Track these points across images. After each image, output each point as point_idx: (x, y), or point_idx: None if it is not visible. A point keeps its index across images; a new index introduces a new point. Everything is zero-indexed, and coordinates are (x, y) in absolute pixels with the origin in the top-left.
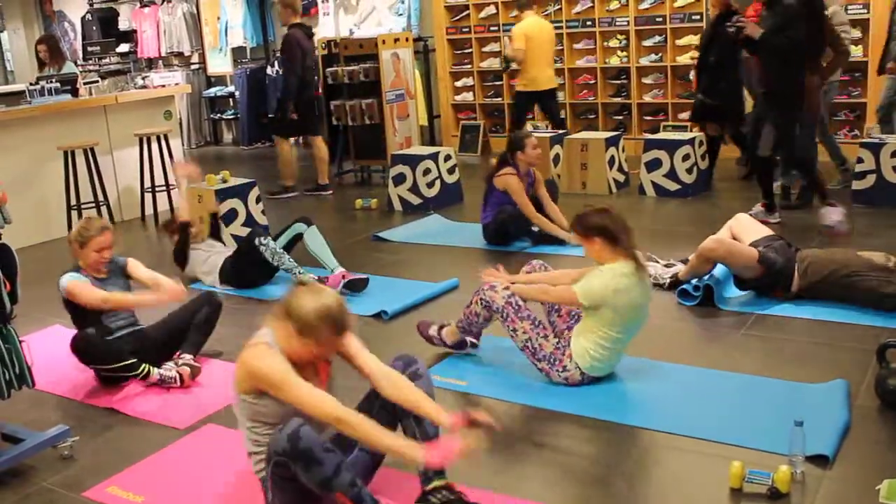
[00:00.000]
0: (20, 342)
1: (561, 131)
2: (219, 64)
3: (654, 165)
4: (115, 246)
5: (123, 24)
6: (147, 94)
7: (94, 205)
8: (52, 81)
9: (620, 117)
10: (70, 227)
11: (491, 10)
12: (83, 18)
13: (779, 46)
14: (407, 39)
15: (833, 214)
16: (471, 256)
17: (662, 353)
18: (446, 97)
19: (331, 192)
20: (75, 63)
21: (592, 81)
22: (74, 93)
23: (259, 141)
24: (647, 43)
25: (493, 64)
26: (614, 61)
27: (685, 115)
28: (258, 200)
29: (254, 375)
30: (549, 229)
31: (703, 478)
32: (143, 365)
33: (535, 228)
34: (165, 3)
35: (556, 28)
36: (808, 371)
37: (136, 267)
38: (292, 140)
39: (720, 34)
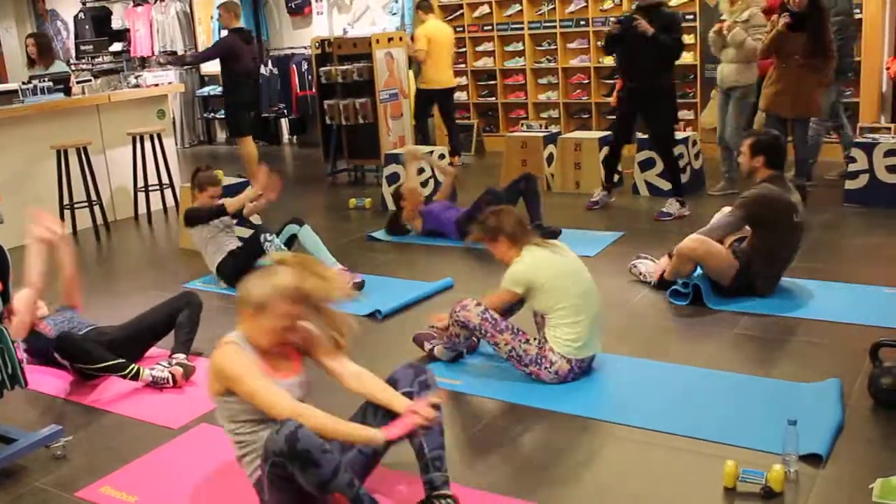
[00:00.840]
0: (12, 342)
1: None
2: (212, 63)
3: (647, 165)
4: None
5: (116, 23)
6: (140, 93)
7: (87, 204)
8: (44, 80)
9: (614, 117)
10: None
11: (485, 9)
12: (76, 17)
13: (666, 45)
14: (401, 39)
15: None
16: (465, 256)
17: (656, 352)
18: None
19: None
20: (67, 62)
21: (586, 81)
22: (67, 92)
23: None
24: None
25: (488, 63)
26: (608, 61)
27: (679, 114)
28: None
29: (217, 372)
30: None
31: (697, 477)
32: (132, 365)
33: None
34: (158, 2)
35: (551, 28)
36: (802, 370)
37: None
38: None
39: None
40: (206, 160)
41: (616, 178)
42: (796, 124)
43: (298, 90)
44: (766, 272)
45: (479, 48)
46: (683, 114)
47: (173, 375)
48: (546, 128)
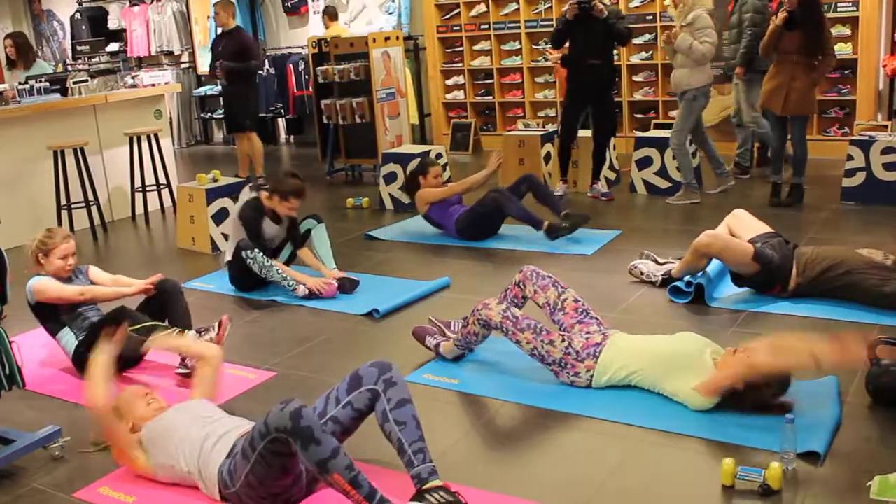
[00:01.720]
0: (10, 343)
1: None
2: (209, 63)
3: (644, 163)
4: (77, 255)
5: (113, 24)
6: (137, 93)
7: (84, 204)
8: (41, 81)
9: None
10: (60, 226)
11: (482, 8)
12: (72, 17)
13: (621, 31)
14: (397, 38)
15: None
16: (462, 255)
17: None
18: (437, 95)
19: None
20: (64, 62)
21: None
22: (64, 92)
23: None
24: (638, 41)
25: (484, 62)
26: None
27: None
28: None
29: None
30: (471, 182)
31: (696, 475)
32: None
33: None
34: (155, 1)
35: (547, 26)
36: None
37: (97, 272)
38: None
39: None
40: (202, 160)
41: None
42: (794, 123)
43: (295, 90)
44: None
45: (476, 47)
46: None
47: (220, 323)
48: (543, 126)
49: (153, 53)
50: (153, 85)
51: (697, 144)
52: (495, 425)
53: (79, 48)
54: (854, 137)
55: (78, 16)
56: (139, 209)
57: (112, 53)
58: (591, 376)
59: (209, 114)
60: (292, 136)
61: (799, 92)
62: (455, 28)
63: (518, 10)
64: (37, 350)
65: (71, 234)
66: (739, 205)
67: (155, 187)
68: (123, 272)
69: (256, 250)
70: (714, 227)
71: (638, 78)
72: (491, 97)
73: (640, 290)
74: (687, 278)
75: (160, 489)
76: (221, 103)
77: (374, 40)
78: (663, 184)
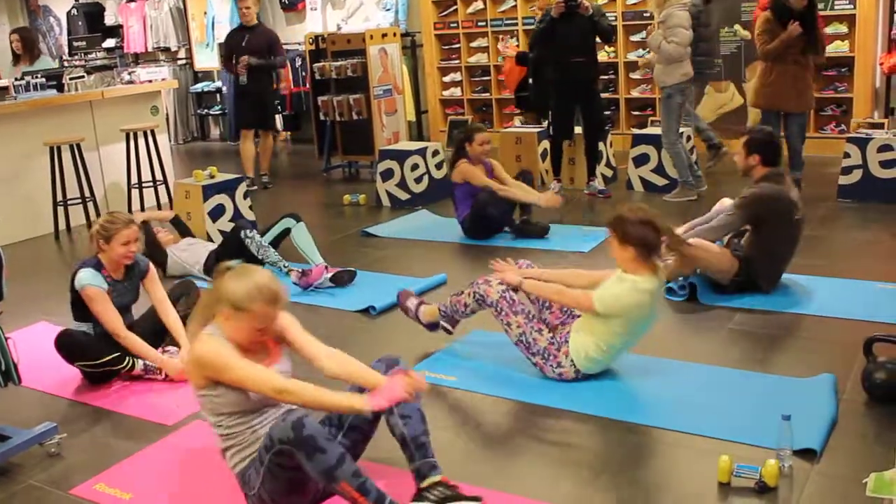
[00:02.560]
0: (6, 339)
1: None
2: (206, 59)
3: (641, 160)
4: (140, 241)
5: (109, 19)
6: (133, 89)
7: (80, 201)
8: (37, 76)
9: (608, 112)
10: (56, 223)
11: (479, 5)
12: (69, 13)
13: (605, 29)
14: (394, 35)
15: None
16: (459, 252)
17: (650, 348)
18: (434, 92)
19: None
20: (60, 59)
21: None
22: (60, 88)
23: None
24: (635, 38)
25: (482, 59)
26: (602, 56)
27: None
28: (246, 196)
29: (200, 364)
30: (519, 197)
31: (692, 472)
32: (127, 358)
33: (515, 219)
34: None
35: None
36: (796, 365)
37: (153, 281)
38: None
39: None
40: (199, 157)
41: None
42: (794, 118)
43: (292, 86)
44: (768, 270)
45: (473, 44)
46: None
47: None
48: (540, 123)
49: (150, 49)
50: (150, 81)
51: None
52: (492, 422)
53: (75, 44)
54: (851, 135)
55: (74, 12)
56: (136, 205)
57: (108, 49)
58: (572, 362)
59: (206, 110)
60: (289, 133)
61: (805, 89)
62: (452, 25)
63: (515, 6)
64: (33, 347)
65: (133, 219)
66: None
67: (151, 184)
68: None
69: (254, 231)
70: None
71: (635, 75)
72: (488, 94)
73: None
74: (680, 280)
75: (157, 485)
76: (221, 99)
77: (371, 37)
78: (660, 181)
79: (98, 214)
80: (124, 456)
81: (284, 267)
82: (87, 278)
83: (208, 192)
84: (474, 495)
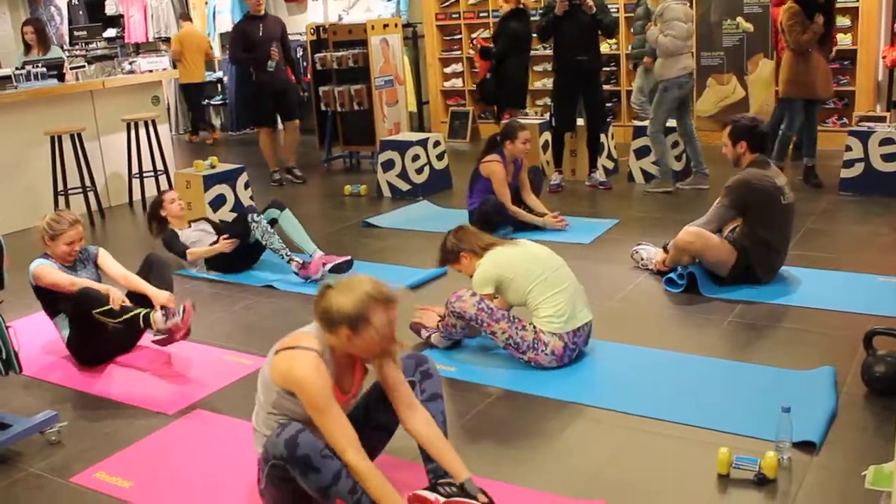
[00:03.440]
0: (7, 328)
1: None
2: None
3: (643, 153)
4: (84, 240)
5: (110, 9)
6: (134, 79)
7: (81, 190)
8: (38, 66)
9: (610, 104)
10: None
11: None
12: (69, 3)
13: (609, 25)
14: (396, 25)
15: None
16: None
17: (650, 339)
18: (435, 83)
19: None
20: (61, 48)
21: None
22: (61, 78)
23: (247, 126)
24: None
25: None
26: (603, 48)
27: None
28: (247, 186)
29: (295, 384)
30: (526, 219)
31: (691, 464)
32: (138, 310)
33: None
34: None
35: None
36: (796, 358)
37: (106, 258)
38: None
39: (510, 27)
40: (200, 147)
41: (612, 165)
42: (816, 106)
43: (293, 77)
44: (764, 258)
45: (475, 35)
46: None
47: (184, 309)
48: (542, 115)
49: (151, 39)
50: (150, 71)
51: (683, 137)
52: (491, 413)
53: (76, 34)
54: (853, 128)
55: (75, 1)
56: (136, 195)
57: (109, 39)
58: (551, 332)
59: (207, 100)
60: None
61: (828, 76)
62: (454, 16)
63: None
64: (34, 335)
65: (80, 218)
66: None
67: (152, 173)
68: (120, 259)
69: (262, 216)
70: None
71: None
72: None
73: (638, 279)
74: (679, 269)
75: (157, 474)
76: (222, 89)
77: (373, 27)
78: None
79: (99, 204)
80: (125, 444)
81: (286, 255)
82: (36, 263)
83: (209, 181)
84: (485, 501)
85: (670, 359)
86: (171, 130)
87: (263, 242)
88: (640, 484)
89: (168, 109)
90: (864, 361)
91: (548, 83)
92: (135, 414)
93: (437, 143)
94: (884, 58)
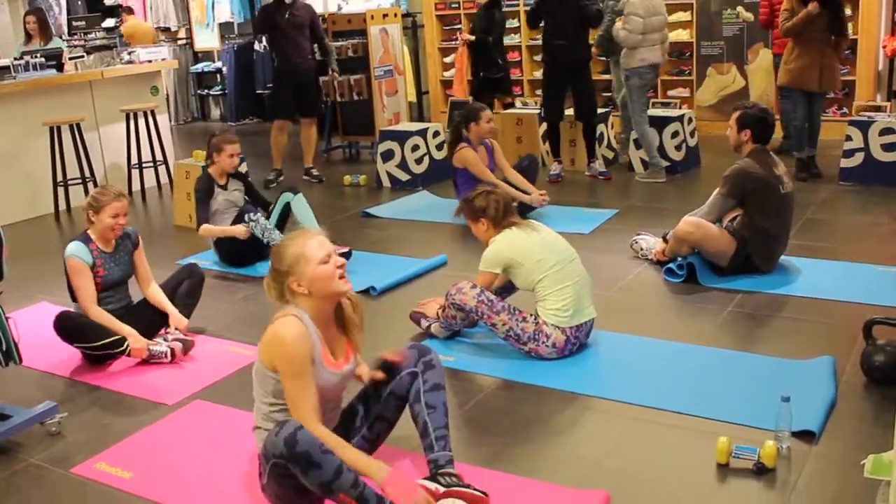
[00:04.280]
0: (6, 319)
1: None
2: (206, 39)
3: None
4: (128, 216)
5: None
6: (133, 69)
7: (80, 181)
8: (37, 56)
9: (609, 94)
10: (56, 203)
11: None
12: None
13: (591, 14)
14: (396, 15)
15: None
16: (459, 232)
17: (650, 329)
18: (435, 73)
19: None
20: (60, 38)
21: None
22: (60, 68)
23: (247, 117)
24: None
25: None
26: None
27: (674, 91)
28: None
29: (277, 346)
30: (513, 195)
31: (690, 453)
32: (126, 342)
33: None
34: None
35: None
36: (795, 347)
37: (142, 256)
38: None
39: (496, 16)
40: (200, 137)
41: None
42: (817, 98)
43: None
44: (763, 248)
45: (459, 34)
46: (679, 91)
47: (172, 350)
48: (539, 105)
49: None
50: (150, 61)
51: (627, 126)
52: (491, 403)
53: (75, 24)
54: (853, 118)
55: None
56: (136, 186)
57: (108, 29)
58: (554, 325)
59: (206, 90)
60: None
61: (833, 69)
62: (453, 5)
63: None
64: (34, 326)
65: (125, 193)
66: None
67: (151, 164)
68: None
69: (258, 214)
70: None
71: None
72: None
73: (637, 268)
74: (679, 260)
75: (157, 464)
76: (221, 79)
77: (373, 17)
78: (661, 162)
79: None
80: (125, 435)
81: None
82: (73, 250)
83: None
84: (481, 490)
85: (670, 348)
86: (170, 120)
87: (264, 240)
88: (639, 473)
89: (167, 99)
90: (863, 351)
91: None
92: (135, 405)
93: (436, 133)
94: (884, 47)
